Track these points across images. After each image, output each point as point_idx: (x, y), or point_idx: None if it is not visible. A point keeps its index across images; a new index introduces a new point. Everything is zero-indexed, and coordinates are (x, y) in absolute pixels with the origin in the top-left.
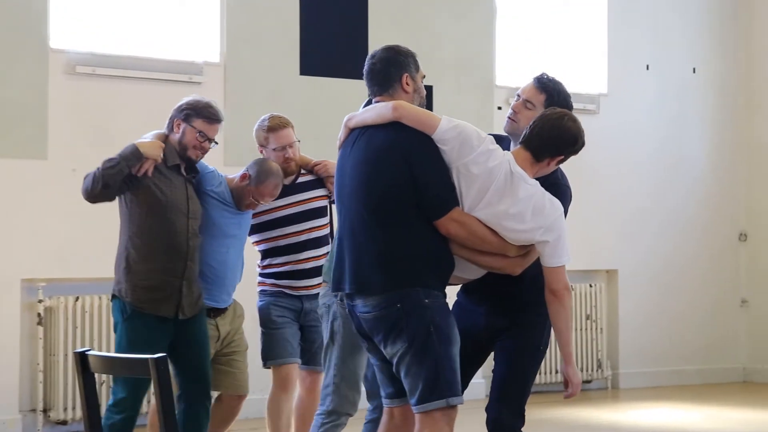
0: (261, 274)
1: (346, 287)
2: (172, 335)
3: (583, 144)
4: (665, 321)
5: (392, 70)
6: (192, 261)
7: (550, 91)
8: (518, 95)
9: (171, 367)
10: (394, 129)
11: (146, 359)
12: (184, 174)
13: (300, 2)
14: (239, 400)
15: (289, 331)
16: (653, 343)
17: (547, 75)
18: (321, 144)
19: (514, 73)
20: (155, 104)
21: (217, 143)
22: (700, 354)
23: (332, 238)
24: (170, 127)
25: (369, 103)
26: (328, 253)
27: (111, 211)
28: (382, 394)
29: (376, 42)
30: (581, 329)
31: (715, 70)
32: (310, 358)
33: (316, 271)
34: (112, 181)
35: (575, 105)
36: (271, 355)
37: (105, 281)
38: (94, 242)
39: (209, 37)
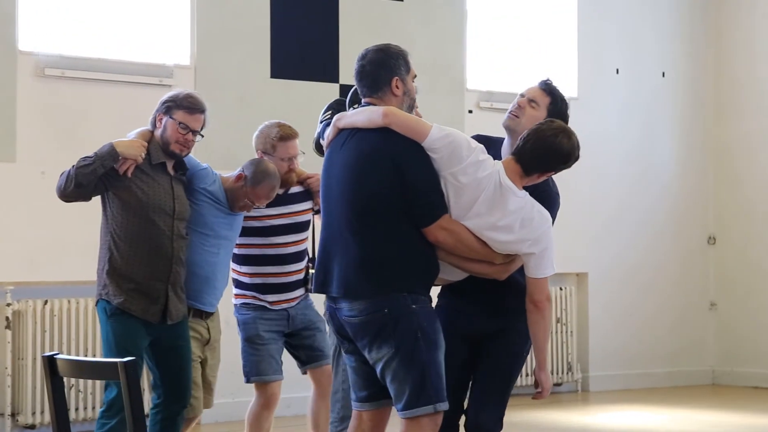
0: (241, 283)
1: (332, 290)
2: (154, 336)
3: (576, 159)
4: (635, 324)
5: (382, 73)
6: (177, 264)
7: (555, 95)
8: (522, 95)
9: (151, 370)
10: (384, 134)
11: (115, 363)
12: (172, 172)
13: (271, 5)
14: (188, 422)
15: (275, 347)
16: (623, 346)
17: (551, 81)
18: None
19: (485, 76)
20: (125, 107)
21: (202, 136)
22: (670, 357)
23: (312, 251)
24: (153, 123)
25: (351, 102)
26: (306, 266)
27: (80, 215)
28: (353, 397)
29: (347, 45)
30: (551, 332)
31: (684, 74)
32: (319, 356)
33: (298, 284)
34: (85, 181)
35: None
36: (256, 372)
37: (74, 285)
38: (63, 245)
39: (179, 39)
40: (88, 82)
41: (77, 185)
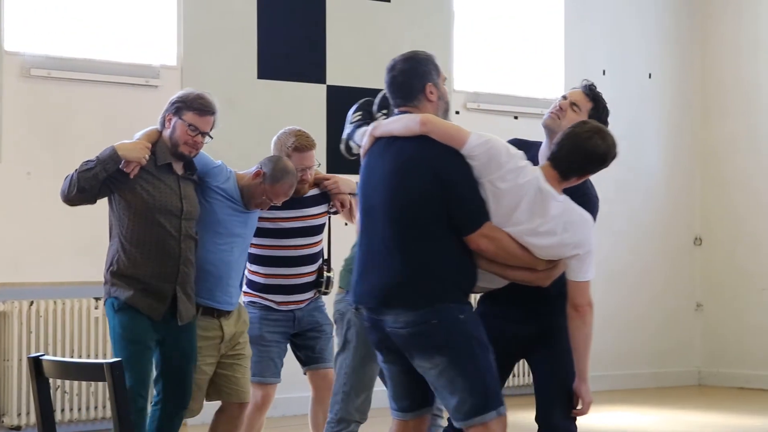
0: (250, 282)
1: (374, 301)
2: (161, 335)
3: (613, 158)
4: (621, 325)
5: (415, 82)
6: (185, 264)
7: (598, 101)
8: (564, 96)
9: (156, 367)
10: (423, 142)
11: (101, 364)
12: (180, 172)
13: (258, 6)
14: (241, 408)
15: (276, 351)
16: (609, 346)
17: (595, 86)
18: None
19: (472, 77)
20: (111, 108)
21: (212, 137)
22: (656, 357)
23: (328, 253)
24: (162, 123)
25: (380, 107)
26: (319, 268)
27: (66, 215)
28: (395, 407)
29: (334, 46)
30: None
31: (671, 75)
32: (319, 358)
33: (308, 286)
34: (88, 185)
35: (531, 110)
36: (254, 372)
37: (60, 285)
38: (49, 246)
39: (166, 40)
40: (75, 83)
41: (80, 190)
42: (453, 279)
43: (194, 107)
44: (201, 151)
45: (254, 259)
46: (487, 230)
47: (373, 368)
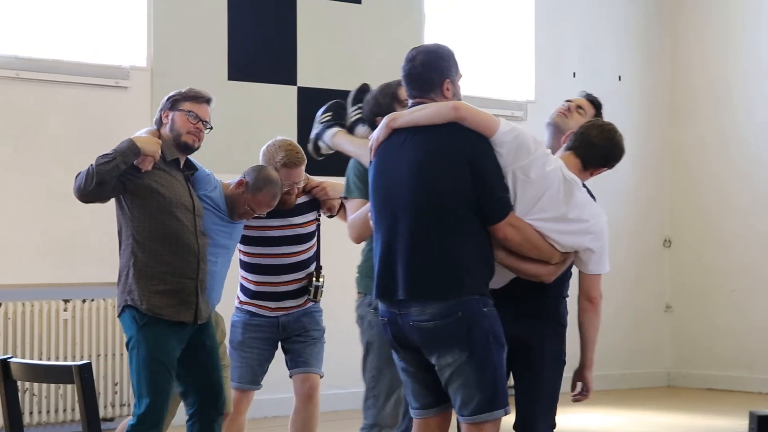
0: (242, 287)
1: (399, 293)
2: (185, 341)
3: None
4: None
5: (434, 76)
6: (203, 261)
7: (599, 110)
8: (569, 101)
9: (179, 380)
10: (453, 130)
11: (70, 366)
12: (183, 170)
13: (228, 7)
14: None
15: (258, 357)
16: (574, 354)
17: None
18: (250, 149)
19: None
20: (81, 109)
21: (212, 127)
22: (626, 359)
23: (318, 258)
24: (159, 122)
25: (354, 103)
26: (312, 273)
27: (35, 216)
28: (416, 405)
29: (304, 48)
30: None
31: (640, 78)
32: (301, 362)
33: (300, 292)
34: (108, 177)
35: (502, 112)
36: (232, 377)
37: (29, 288)
38: (18, 248)
39: (136, 41)
40: (43, 84)
41: (99, 183)
42: (479, 270)
43: (189, 97)
44: (193, 158)
45: (245, 266)
46: (514, 219)
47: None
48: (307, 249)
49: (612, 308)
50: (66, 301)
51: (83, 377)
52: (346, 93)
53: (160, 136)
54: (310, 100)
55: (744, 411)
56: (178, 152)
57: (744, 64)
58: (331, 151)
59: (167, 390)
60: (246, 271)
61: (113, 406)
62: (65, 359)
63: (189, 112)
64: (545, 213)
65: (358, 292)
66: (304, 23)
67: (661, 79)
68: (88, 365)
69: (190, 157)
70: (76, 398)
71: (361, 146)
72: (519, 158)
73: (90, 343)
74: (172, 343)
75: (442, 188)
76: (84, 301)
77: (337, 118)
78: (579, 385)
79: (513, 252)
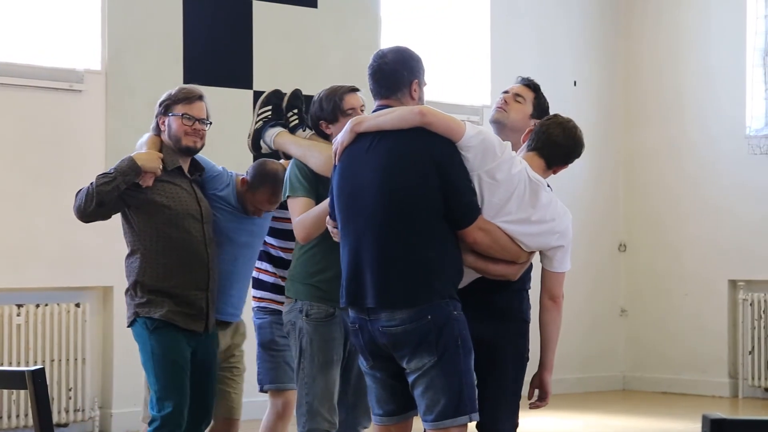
0: (261, 282)
1: (368, 301)
2: (193, 348)
3: None
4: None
5: (404, 74)
6: (214, 270)
7: (538, 90)
8: (506, 91)
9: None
10: (420, 135)
11: (23, 372)
12: (189, 175)
13: (183, 10)
14: (229, 423)
15: (289, 355)
16: (534, 352)
17: (532, 78)
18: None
19: None
20: (34, 112)
21: (211, 122)
22: (581, 362)
23: None
24: (156, 129)
25: (289, 106)
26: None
27: None
28: (378, 411)
29: (260, 52)
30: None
31: (596, 83)
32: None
33: None
34: (107, 198)
35: (457, 116)
36: (270, 380)
37: None
38: None
39: (90, 44)
40: None
41: (99, 203)
42: (448, 274)
43: (180, 98)
44: (203, 157)
45: (264, 257)
46: (482, 223)
47: (334, 375)
48: None
49: (568, 312)
50: (19, 306)
51: (36, 382)
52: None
53: (161, 143)
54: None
55: (697, 414)
56: (181, 157)
57: (695, 70)
58: (270, 151)
59: (186, 390)
60: (259, 260)
61: (67, 411)
62: (18, 364)
63: (183, 114)
64: (512, 215)
65: (287, 297)
66: (260, 26)
67: (615, 84)
68: (42, 370)
69: (198, 157)
70: (29, 404)
71: (308, 147)
72: (485, 162)
73: (44, 348)
74: (184, 344)
75: (409, 193)
76: (37, 305)
77: (277, 112)
78: (536, 392)
79: (481, 255)
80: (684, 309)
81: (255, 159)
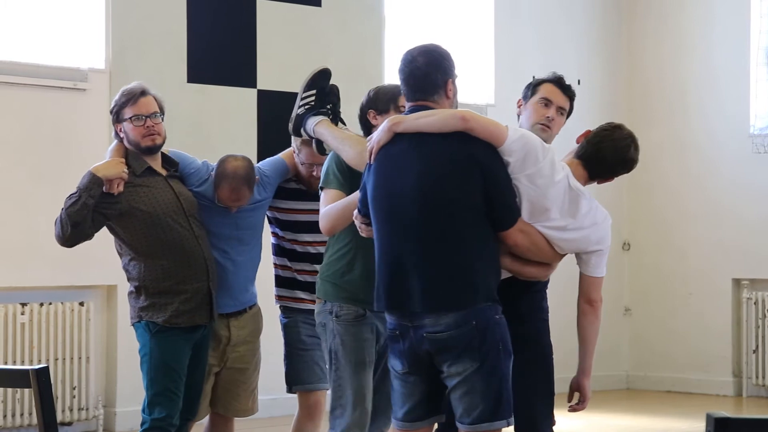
0: (277, 278)
1: (414, 306)
2: (192, 346)
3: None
4: (552, 330)
5: (438, 76)
6: (210, 259)
7: (573, 98)
8: (548, 99)
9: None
10: (461, 138)
11: (26, 370)
12: (163, 172)
13: (187, 9)
14: (226, 421)
15: (318, 354)
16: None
17: (563, 78)
18: (209, 151)
19: None
20: (38, 111)
21: (162, 113)
22: None
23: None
24: (117, 137)
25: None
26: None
27: None
28: (404, 418)
29: (264, 50)
30: None
31: (599, 82)
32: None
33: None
34: (80, 218)
35: None
36: (299, 380)
37: None
38: None
39: (94, 43)
40: (1, 86)
41: (74, 225)
42: (490, 277)
43: (123, 102)
44: (181, 152)
45: (276, 251)
46: (522, 225)
47: (367, 376)
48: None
49: (571, 311)
50: (23, 304)
51: (40, 381)
52: None
53: (125, 149)
54: (269, 103)
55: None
56: (147, 157)
57: (698, 69)
58: (310, 138)
59: (179, 397)
60: (273, 254)
61: (71, 410)
62: (22, 363)
63: (132, 117)
64: (549, 222)
65: (318, 298)
66: (263, 25)
67: (618, 83)
68: (46, 369)
69: (173, 152)
70: (33, 403)
71: (342, 140)
72: (527, 166)
73: (48, 347)
74: (185, 349)
75: (453, 196)
76: (41, 304)
77: (322, 99)
78: (576, 395)
79: (517, 257)
80: (688, 308)
81: (292, 143)
